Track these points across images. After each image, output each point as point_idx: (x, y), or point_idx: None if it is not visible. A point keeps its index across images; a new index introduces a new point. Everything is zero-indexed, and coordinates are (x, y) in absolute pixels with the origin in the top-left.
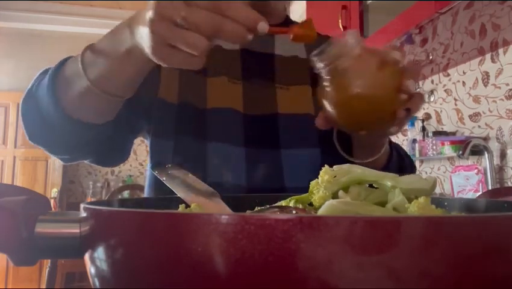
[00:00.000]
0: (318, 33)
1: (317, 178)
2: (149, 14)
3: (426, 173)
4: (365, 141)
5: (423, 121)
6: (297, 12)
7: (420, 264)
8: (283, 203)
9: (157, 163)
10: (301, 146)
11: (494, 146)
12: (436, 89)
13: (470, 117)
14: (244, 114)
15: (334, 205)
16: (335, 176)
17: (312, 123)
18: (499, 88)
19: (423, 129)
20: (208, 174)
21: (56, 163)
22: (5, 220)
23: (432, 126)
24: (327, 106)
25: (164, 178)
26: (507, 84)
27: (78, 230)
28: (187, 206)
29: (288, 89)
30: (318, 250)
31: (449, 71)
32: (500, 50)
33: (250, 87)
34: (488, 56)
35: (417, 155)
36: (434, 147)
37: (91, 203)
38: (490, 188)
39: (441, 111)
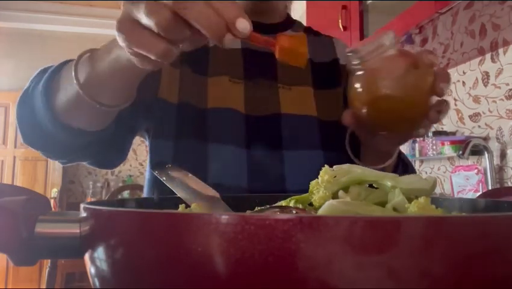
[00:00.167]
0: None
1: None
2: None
3: (426, 173)
4: (378, 147)
5: None
6: (297, 12)
7: (420, 264)
8: (283, 203)
9: (157, 163)
10: (304, 147)
11: (494, 146)
12: None
13: (470, 117)
14: (246, 114)
15: (333, 205)
16: (335, 176)
17: (314, 125)
18: (499, 88)
19: None
20: (208, 175)
21: (56, 163)
22: (5, 220)
23: (432, 125)
24: (357, 103)
25: (164, 178)
26: (507, 84)
27: (77, 230)
28: (187, 206)
29: (290, 89)
30: (318, 250)
31: (449, 71)
32: (500, 50)
33: (252, 87)
34: (488, 56)
35: (417, 155)
36: (434, 147)
37: (91, 203)
38: (490, 188)
39: None
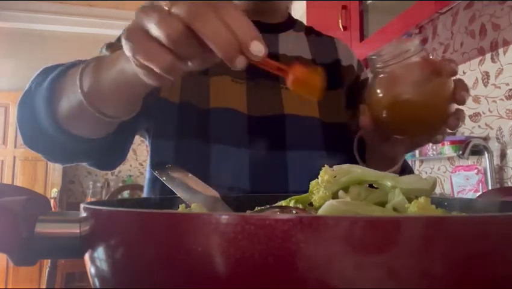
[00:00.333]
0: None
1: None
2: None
3: (426, 173)
4: (385, 154)
5: None
6: (297, 12)
7: (420, 264)
8: (283, 203)
9: (157, 163)
10: (307, 148)
11: (494, 146)
12: None
13: (470, 117)
14: (248, 114)
15: (334, 205)
16: (335, 176)
17: (317, 126)
18: (499, 88)
19: None
20: (210, 176)
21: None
22: (5, 220)
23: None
24: (378, 106)
25: (164, 178)
26: (507, 84)
27: (77, 230)
28: (187, 206)
29: None
30: (318, 250)
31: None
32: (500, 50)
33: (255, 87)
34: (488, 56)
35: (417, 155)
36: (434, 147)
37: (91, 203)
38: (490, 188)
39: None
